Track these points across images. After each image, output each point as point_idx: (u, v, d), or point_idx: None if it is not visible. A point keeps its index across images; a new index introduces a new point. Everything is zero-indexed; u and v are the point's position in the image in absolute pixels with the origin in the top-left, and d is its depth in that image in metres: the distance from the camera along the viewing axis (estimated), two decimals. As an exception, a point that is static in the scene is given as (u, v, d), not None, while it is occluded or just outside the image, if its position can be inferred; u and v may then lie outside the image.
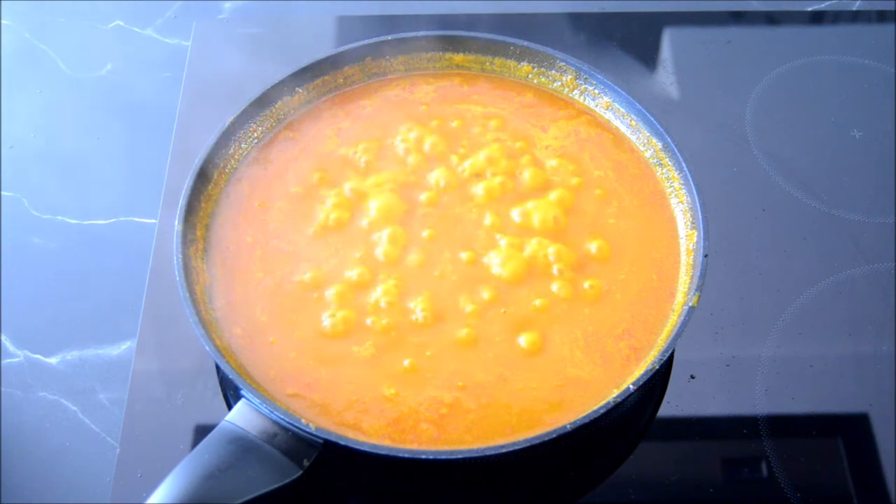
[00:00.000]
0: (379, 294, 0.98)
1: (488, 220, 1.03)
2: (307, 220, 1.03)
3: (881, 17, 1.36)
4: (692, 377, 1.02)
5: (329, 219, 1.03)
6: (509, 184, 1.06)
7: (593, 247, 1.02)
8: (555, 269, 1.00)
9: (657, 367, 0.90)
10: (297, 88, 1.11)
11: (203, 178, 1.03)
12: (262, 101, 1.09)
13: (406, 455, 0.86)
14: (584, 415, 0.87)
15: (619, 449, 0.98)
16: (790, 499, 0.95)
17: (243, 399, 0.88)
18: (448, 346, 0.95)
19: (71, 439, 1.00)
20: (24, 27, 1.37)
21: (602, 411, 0.87)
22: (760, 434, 0.99)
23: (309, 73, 1.11)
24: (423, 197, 1.05)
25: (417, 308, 0.97)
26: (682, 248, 1.01)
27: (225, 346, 0.93)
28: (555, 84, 1.14)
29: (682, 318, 0.93)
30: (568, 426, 0.86)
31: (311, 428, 0.85)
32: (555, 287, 0.99)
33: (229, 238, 1.02)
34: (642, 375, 0.89)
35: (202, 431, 0.93)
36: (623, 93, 1.09)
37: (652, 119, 1.07)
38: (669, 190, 1.05)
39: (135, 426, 0.98)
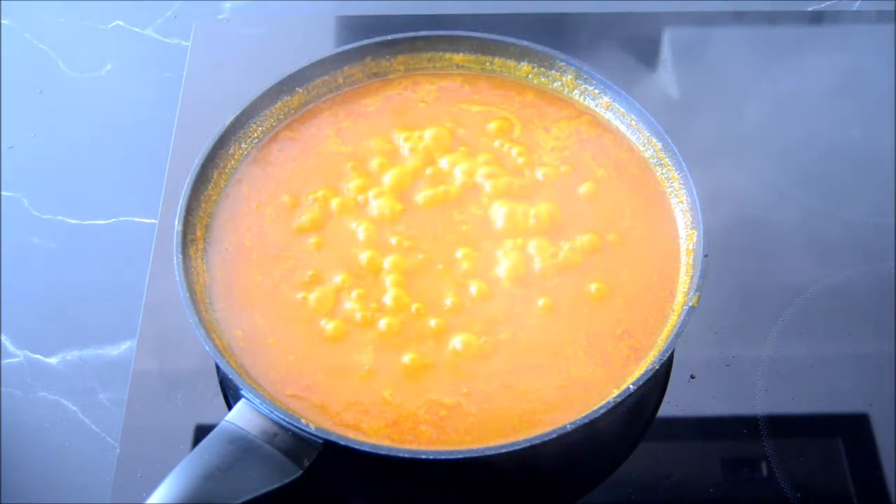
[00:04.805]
0: (378, 297, 0.98)
1: (489, 221, 1.03)
2: (304, 222, 1.03)
3: (881, 17, 1.36)
4: (692, 377, 1.02)
5: (327, 220, 1.03)
6: (511, 185, 1.06)
7: (593, 247, 1.02)
8: (555, 270, 1.00)
9: (657, 367, 0.90)
10: (297, 88, 1.11)
11: (203, 178, 1.03)
12: (262, 101, 1.09)
13: (406, 455, 0.86)
14: (584, 415, 0.87)
15: (619, 449, 0.98)
16: (790, 499, 0.95)
17: (243, 399, 0.88)
18: (448, 349, 0.95)
19: (71, 439, 1.00)
20: (24, 27, 1.37)
21: (602, 411, 0.87)
22: (760, 434, 0.99)
23: (309, 73, 1.11)
24: (424, 198, 1.05)
25: (417, 311, 0.97)
26: (682, 248, 1.01)
27: (225, 347, 0.93)
28: (555, 84, 1.14)
29: (682, 318, 0.93)
30: (568, 426, 0.86)
31: (311, 428, 0.85)
32: (556, 287, 0.99)
33: (228, 239, 1.02)
34: (642, 375, 0.89)
35: (202, 431, 0.93)
36: (623, 93, 1.09)
37: (652, 119, 1.07)
38: (669, 190, 1.05)
39: (135, 426, 0.99)
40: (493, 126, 1.11)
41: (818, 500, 0.96)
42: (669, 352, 0.91)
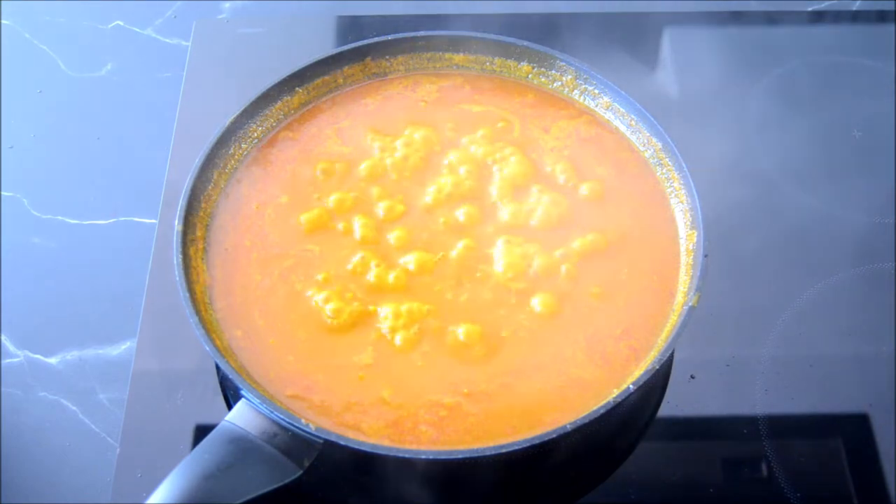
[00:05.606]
0: (378, 297, 0.98)
1: (489, 221, 1.03)
2: (303, 222, 1.03)
3: (881, 17, 1.36)
4: (692, 377, 1.02)
5: (327, 221, 1.03)
6: (510, 185, 1.06)
7: (593, 247, 1.02)
8: (555, 270, 1.00)
9: (657, 367, 0.90)
10: (297, 88, 1.11)
11: (203, 178, 1.03)
12: (262, 101, 1.09)
13: (406, 455, 0.86)
14: (584, 415, 0.87)
15: (619, 449, 0.98)
16: (790, 499, 0.95)
17: (243, 399, 0.88)
18: (449, 350, 0.95)
19: (71, 439, 1.00)
20: (24, 27, 1.37)
21: (602, 411, 0.87)
22: (760, 434, 0.99)
23: (309, 73, 1.11)
24: (423, 198, 1.05)
25: (417, 311, 0.97)
26: (682, 248, 1.01)
27: (225, 347, 0.93)
28: (555, 84, 1.14)
29: (682, 318, 0.93)
30: (568, 426, 0.86)
31: (311, 428, 0.85)
32: (555, 287, 0.99)
33: (228, 239, 1.02)
34: (642, 375, 0.89)
35: (202, 431, 0.93)
36: (623, 93, 1.09)
37: (652, 119, 1.07)
38: (669, 190, 1.05)
39: (135, 426, 0.99)
40: (492, 126, 1.11)
41: (818, 500, 0.96)
42: (669, 352, 0.91)
